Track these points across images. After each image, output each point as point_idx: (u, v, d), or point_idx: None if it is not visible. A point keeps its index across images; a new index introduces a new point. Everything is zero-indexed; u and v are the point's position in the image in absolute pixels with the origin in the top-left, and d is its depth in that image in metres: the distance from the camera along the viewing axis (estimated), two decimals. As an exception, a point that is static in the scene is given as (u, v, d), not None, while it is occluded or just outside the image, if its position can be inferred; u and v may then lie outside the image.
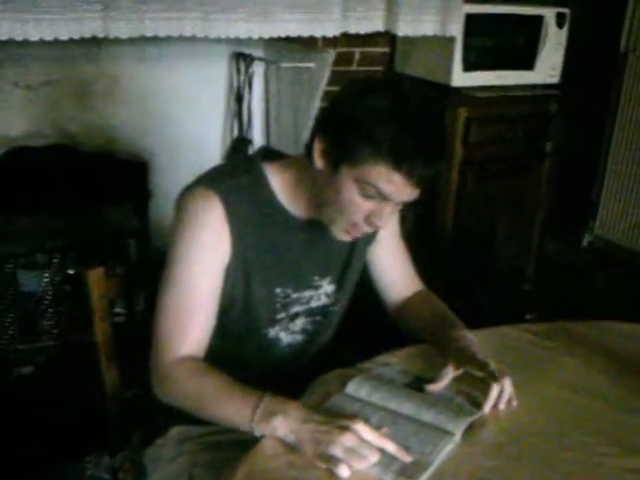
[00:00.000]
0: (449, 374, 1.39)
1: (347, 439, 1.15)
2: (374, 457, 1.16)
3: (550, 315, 1.72)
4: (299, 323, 1.52)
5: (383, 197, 1.30)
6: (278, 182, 1.43)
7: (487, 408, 1.33)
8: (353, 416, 1.22)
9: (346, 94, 1.34)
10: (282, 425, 1.20)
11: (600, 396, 1.42)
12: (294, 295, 1.48)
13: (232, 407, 1.27)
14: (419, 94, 1.31)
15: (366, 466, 1.15)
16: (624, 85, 3.84)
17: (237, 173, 1.42)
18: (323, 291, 1.53)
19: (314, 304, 1.53)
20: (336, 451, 1.15)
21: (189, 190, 1.39)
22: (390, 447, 1.17)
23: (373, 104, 1.26)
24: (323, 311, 1.55)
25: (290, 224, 1.44)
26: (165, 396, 1.38)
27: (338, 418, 1.20)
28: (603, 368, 1.51)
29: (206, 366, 1.36)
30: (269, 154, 1.50)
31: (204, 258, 1.36)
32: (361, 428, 1.17)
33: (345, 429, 1.16)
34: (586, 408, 1.38)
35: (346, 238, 1.41)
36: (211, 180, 1.39)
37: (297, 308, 1.50)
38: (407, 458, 1.17)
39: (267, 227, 1.42)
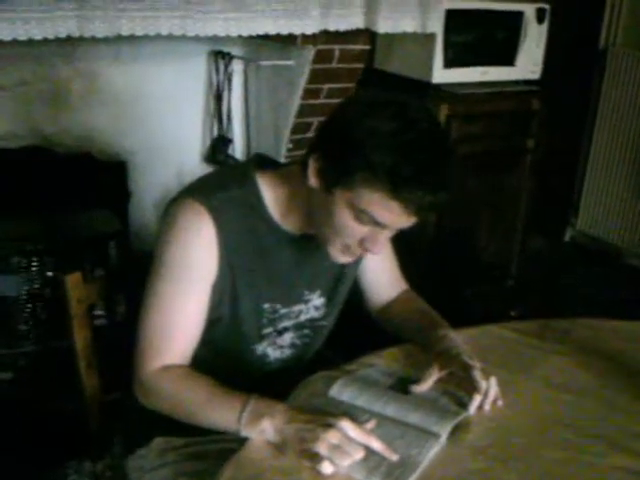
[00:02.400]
0: (434, 375, 1.38)
1: (331, 436, 1.14)
2: (358, 454, 1.15)
3: (534, 310, 1.72)
4: (287, 338, 1.50)
5: (378, 224, 1.26)
6: (271, 196, 1.39)
7: (472, 409, 1.32)
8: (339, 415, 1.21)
9: (347, 113, 1.28)
10: (269, 426, 1.19)
11: (587, 394, 1.41)
12: (283, 310, 1.45)
13: (218, 411, 1.26)
14: (426, 118, 1.25)
15: (350, 463, 1.14)
16: (604, 80, 3.86)
17: (230, 185, 1.38)
18: (312, 304, 1.51)
19: (303, 317, 1.50)
20: (320, 448, 1.14)
21: (179, 201, 1.35)
22: (375, 444, 1.16)
23: (374, 127, 1.20)
24: (312, 325, 1.53)
25: (281, 240, 1.41)
26: (151, 405, 1.36)
27: (324, 416, 1.19)
28: (589, 366, 1.51)
29: (190, 371, 1.34)
30: (263, 163, 1.45)
31: (191, 277, 1.33)
32: (346, 425, 1.16)
33: (329, 426, 1.15)
34: (573, 406, 1.37)
35: (341, 260, 1.37)
36: (203, 192, 1.35)
37: (286, 323, 1.48)
38: (393, 457, 1.16)
39: (258, 242, 1.39)
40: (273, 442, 1.19)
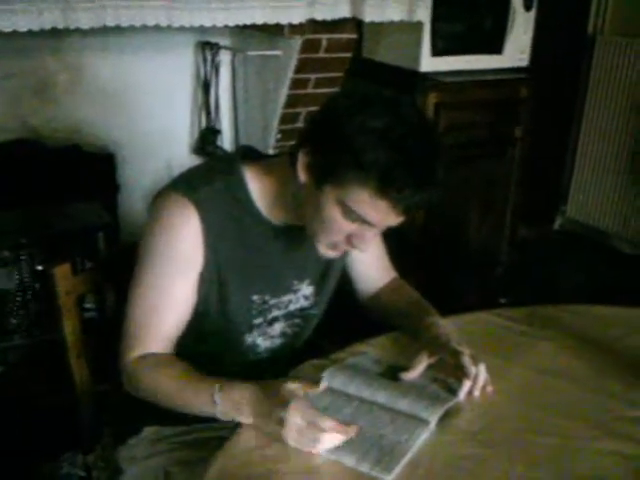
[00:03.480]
0: (423, 362, 1.38)
1: (288, 433, 1.16)
2: (326, 440, 1.16)
3: (524, 298, 1.72)
4: (278, 327, 1.50)
5: (366, 222, 1.26)
6: (257, 188, 1.39)
7: (462, 395, 1.32)
8: (325, 408, 1.24)
9: (338, 108, 1.25)
10: (244, 419, 1.22)
11: (575, 380, 1.42)
12: (272, 301, 1.46)
13: (194, 401, 1.28)
14: (416, 114, 1.24)
15: (323, 447, 1.16)
16: (592, 68, 3.87)
17: (215, 177, 1.38)
18: (302, 294, 1.51)
19: (292, 307, 1.50)
20: (291, 443, 1.16)
21: (165, 195, 1.35)
22: (328, 424, 1.16)
23: (365, 124, 1.19)
24: (302, 314, 1.53)
25: (268, 231, 1.41)
26: (135, 392, 1.37)
27: (276, 409, 1.18)
28: (578, 352, 1.51)
29: (167, 359, 1.35)
30: (249, 154, 1.45)
31: (175, 269, 1.34)
32: (294, 418, 1.16)
33: (282, 422, 1.16)
34: (562, 392, 1.38)
35: (328, 255, 1.38)
36: (188, 186, 1.35)
37: (275, 313, 1.48)
38: (351, 432, 1.17)
39: (244, 234, 1.39)
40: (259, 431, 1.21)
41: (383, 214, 1.23)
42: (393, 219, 1.26)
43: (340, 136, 1.21)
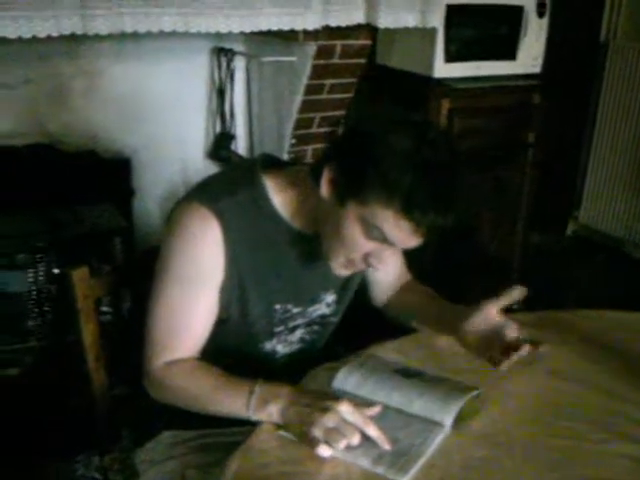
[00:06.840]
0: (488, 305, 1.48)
1: (327, 420, 1.16)
2: (355, 438, 1.16)
3: (537, 304, 1.72)
4: (298, 334, 1.51)
5: (386, 241, 1.27)
6: (280, 199, 1.39)
7: (505, 367, 1.35)
8: None
9: (367, 128, 1.28)
10: (275, 410, 1.22)
11: (589, 384, 1.42)
12: (295, 310, 1.46)
13: (227, 400, 1.29)
14: (445, 140, 1.26)
15: (345, 445, 1.15)
16: (605, 73, 3.86)
17: (237, 188, 1.37)
18: (325, 302, 1.52)
19: (314, 314, 1.52)
20: (316, 432, 1.16)
21: (186, 205, 1.35)
22: (372, 431, 1.17)
23: (394, 145, 1.21)
24: (322, 321, 1.54)
25: (293, 239, 1.41)
26: (161, 398, 1.39)
27: (323, 400, 1.20)
28: (591, 356, 1.52)
29: (198, 363, 1.37)
30: (269, 163, 1.45)
31: (198, 279, 1.35)
32: (343, 409, 1.17)
33: (327, 410, 1.17)
34: (575, 396, 1.39)
35: (342, 273, 1.39)
36: (209, 196, 1.35)
37: (299, 321, 1.49)
38: (386, 445, 1.17)
39: (267, 244, 1.39)
40: (281, 424, 1.22)
41: (405, 234, 1.25)
42: (414, 240, 1.27)
43: (367, 155, 1.23)
